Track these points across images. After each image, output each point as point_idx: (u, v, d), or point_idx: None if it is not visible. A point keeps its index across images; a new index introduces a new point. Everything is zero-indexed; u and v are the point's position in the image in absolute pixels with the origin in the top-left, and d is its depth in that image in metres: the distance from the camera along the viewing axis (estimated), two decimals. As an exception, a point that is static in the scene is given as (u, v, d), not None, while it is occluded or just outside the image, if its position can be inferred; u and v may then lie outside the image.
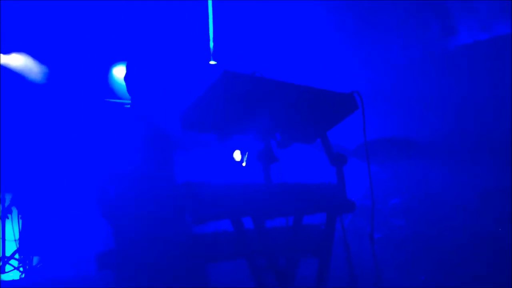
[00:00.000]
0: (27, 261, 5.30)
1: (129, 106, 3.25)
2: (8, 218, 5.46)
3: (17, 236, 5.45)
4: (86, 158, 5.02)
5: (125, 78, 3.18)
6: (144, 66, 3.12)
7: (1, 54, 6.05)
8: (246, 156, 5.06)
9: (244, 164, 4.84)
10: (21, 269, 5.25)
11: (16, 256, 5.38)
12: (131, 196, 2.78)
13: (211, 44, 6.11)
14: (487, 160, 4.39)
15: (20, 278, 5.17)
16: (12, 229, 5.43)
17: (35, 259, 5.44)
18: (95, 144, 3.00)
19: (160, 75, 3.15)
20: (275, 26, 6.12)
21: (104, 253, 2.30)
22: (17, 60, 6.13)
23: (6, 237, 5.47)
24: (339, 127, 2.41)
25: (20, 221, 5.47)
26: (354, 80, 5.35)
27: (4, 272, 5.29)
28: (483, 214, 3.94)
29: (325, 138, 2.32)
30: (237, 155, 5.05)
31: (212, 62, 6.16)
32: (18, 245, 5.42)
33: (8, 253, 5.41)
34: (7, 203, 5.56)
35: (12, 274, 5.31)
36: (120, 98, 6.17)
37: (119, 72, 6.55)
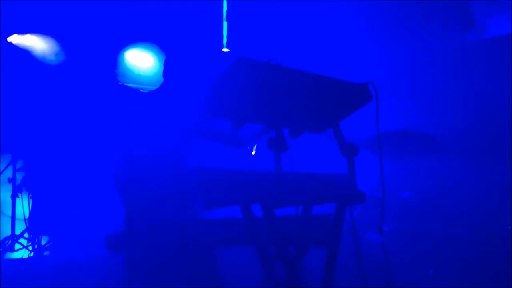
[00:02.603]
0: (36, 240, 5.36)
1: (144, 91, 3.28)
2: (18, 197, 5.52)
3: (27, 215, 5.51)
4: (102, 138, 5.06)
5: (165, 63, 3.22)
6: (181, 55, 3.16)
7: (16, 35, 6.08)
8: (256, 145, 5.05)
9: (253, 152, 4.83)
10: (29, 247, 5.31)
11: (25, 235, 5.44)
12: (146, 177, 2.80)
13: (225, 32, 6.09)
14: (503, 158, 4.34)
15: (29, 257, 5.23)
16: (22, 208, 5.49)
17: (44, 239, 5.50)
18: (112, 125, 3.03)
19: (188, 65, 3.18)
20: (292, 15, 6.07)
21: (114, 235, 2.32)
22: (32, 41, 6.16)
23: (16, 216, 5.53)
24: (352, 118, 2.39)
25: (30, 200, 5.52)
26: (372, 71, 5.30)
27: (13, 250, 5.36)
28: (496, 213, 3.90)
29: (337, 128, 2.30)
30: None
31: (225, 50, 6.14)
32: (27, 224, 5.48)
33: (17, 232, 5.48)
34: (17, 182, 5.61)
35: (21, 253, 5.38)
36: (131, 83, 6.19)
37: (131, 56, 6.55)
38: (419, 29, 5.45)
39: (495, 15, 5.11)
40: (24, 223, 5.50)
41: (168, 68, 3.17)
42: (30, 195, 5.53)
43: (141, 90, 3.27)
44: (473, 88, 4.83)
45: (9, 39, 6.06)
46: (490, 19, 5.13)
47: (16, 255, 5.37)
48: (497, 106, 4.62)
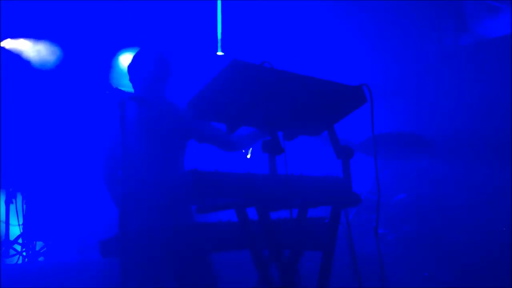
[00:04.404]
0: (30, 246, 5.32)
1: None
2: (12, 203, 5.48)
3: (21, 221, 5.47)
4: (95, 142, 5.04)
5: (130, 67, 3.20)
6: (153, 55, 3.13)
7: (9, 39, 6.06)
8: (251, 148, 5.05)
9: (248, 156, 4.83)
10: (24, 253, 5.27)
11: (20, 240, 5.41)
12: (138, 182, 2.79)
13: (219, 35, 6.08)
14: (496, 160, 4.36)
15: (23, 263, 5.20)
16: (16, 214, 5.45)
17: (39, 244, 5.47)
18: (105, 128, 3.02)
19: (170, 63, 3.16)
20: (286, 18, 6.08)
21: (108, 240, 2.30)
22: (24, 46, 6.13)
23: (10, 222, 5.49)
24: (346, 121, 2.40)
25: (25, 206, 5.49)
26: (366, 73, 5.31)
27: (7, 256, 5.32)
28: (491, 215, 3.92)
29: (332, 130, 2.30)
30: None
31: (219, 53, 6.14)
32: (21, 230, 5.44)
33: (11, 238, 5.44)
34: (11, 188, 5.58)
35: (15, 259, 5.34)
36: (125, 86, 6.15)
37: (126, 60, 6.54)
38: (413, 32, 5.48)
39: (488, 18, 5.15)
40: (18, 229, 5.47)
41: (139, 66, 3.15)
42: (24, 201, 5.50)
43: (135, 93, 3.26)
44: (467, 90, 4.85)
45: (2, 43, 6.04)
46: (483, 22, 5.16)
47: (11, 261, 5.33)
48: (492, 108, 4.65)
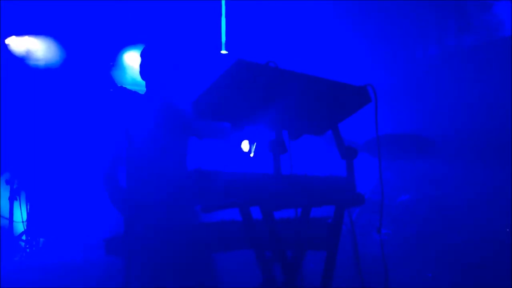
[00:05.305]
0: (34, 243, 5.35)
1: (142, 92, 3.27)
2: (16, 200, 5.50)
3: (24, 218, 5.49)
4: (95, 141, 5.05)
5: (141, 64, 3.21)
6: (160, 52, 3.14)
7: (14, 36, 6.07)
8: (254, 146, 5.05)
9: (252, 154, 4.83)
10: (28, 250, 5.29)
11: (23, 237, 5.43)
12: (142, 181, 2.79)
13: (223, 34, 6.09)
14: (501, 161, 4.35)
15: (27, 261, 5.22)
16: (20, 210, 5.47)
17: (41, 241, 5.49)
18: (105, 127, 3.02)
19: (174, 62, 3.17)
20: (290, 18, 6.08)
21: (113, 239, 2.31)
22: (29, 43, 6.15)
23: (14, 219, 5.51)
24: (350, 121, 2.39)
25: (28, 203, 5.51)
26: (369, 74, 5.31)
27: (11, 252, 5.34)
28: (494, 215, 3.91)
29: (336, 130, 2.30)
30: (245, 145, 5.03)
31: (223, 52, 6.15)
32: (25, 227, 5.47)
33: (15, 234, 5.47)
34: (15, 185, 5.60)
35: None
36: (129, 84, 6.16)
37: (130, 58, 6.54)
38: (414, 32, 5.48)
39: (488, 18, 5.14)
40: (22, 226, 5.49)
41: (168, 68, 3.17)
42: (28, 198, 5.52)
43: (139, 92, 3.27)
44: (468, 90, 4.85)
45: (7, 41, 6.05)
46: (483, 22, 5.16)
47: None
48: (492, 108, 4.64)
